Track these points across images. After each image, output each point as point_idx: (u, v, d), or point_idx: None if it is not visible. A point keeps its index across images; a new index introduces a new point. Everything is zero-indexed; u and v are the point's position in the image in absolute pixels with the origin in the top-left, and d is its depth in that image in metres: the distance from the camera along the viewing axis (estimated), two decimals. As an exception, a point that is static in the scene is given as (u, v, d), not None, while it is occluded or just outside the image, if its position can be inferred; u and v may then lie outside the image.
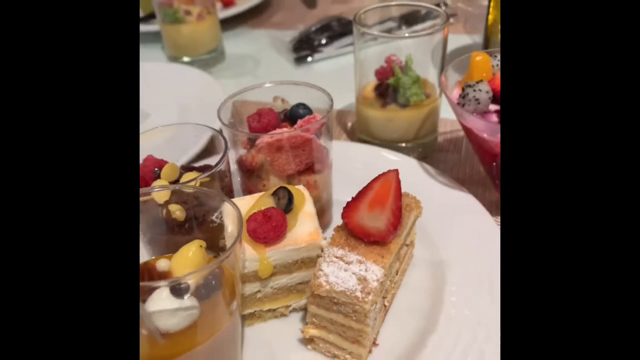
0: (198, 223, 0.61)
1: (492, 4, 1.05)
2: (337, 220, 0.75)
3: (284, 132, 0.64)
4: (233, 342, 0.54)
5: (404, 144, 0.89)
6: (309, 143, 0.66)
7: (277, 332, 0.63)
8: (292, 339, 0.61)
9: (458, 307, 0.61)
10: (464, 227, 0.70)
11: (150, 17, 1.50)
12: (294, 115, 0.70)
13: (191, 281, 0.47)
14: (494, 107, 0.69)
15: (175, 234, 0.61)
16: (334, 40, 1.32)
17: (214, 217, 0.61)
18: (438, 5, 1.46)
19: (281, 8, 1.66)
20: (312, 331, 0.57)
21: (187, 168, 0.69)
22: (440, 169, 0.82)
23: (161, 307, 0.46)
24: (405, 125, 0.87)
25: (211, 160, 0.77)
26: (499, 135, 0.66)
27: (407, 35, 0.80)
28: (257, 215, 0.57)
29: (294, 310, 0.64)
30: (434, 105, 0.86)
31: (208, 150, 0.90)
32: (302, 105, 0.71)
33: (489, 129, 0.66)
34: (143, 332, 0.47)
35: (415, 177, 0.79)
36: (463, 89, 0.70)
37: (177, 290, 0.47)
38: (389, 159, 0.83)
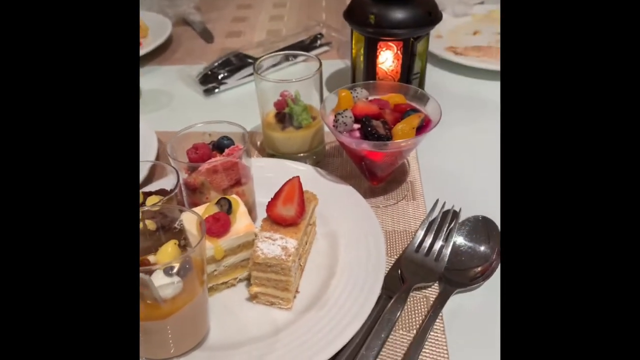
0: (165, 230, 0.86)
1: (353, 41, 1.39)
2: (260, 215, 1.01)
3: (217, 160, 0.91)
4: (204, 305, 0.79)
5: (301, 154, 1.18)
6: (236, 165, 0.93)
7: (230, 297, 0.87)
8: (242, 299, 0.87)
9: (346, 261, 0.90)
10: (347, 208, 1.00)
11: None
12: (220, 145, 0.97)
13: (175, 265, 0.73)
14: (356, 126, 1.01)
15: (149, 240, 0.85)
16: (234, 72, 1.58)
17: (175, 225, 0.86)
18: (316, 37, 1.79)
19: (181, 44, 1.87)
20: (256, 289, 0.84)
21: (147, 194, 0.93)
22: (329, 170, 1.12)
23: (160, 283, 0.71)
24: (300, 142, 1.16)
25: (155, 185, 1.01)
26: (361, 145, 0.99)
27: (294, 80, 1.11)
28: (210, 218, 0.83)
29: (240, 280, 0.90)
30: (319, 125, 1.17)
31: (148, 178, 1.14)
32: (225, 138, 0.98)
33: (354, 141, 0.98)
34: (148, 301, 0.72)
35: (312, 178, 1.07)
36: (335, 116, 1.02)
37: (168, 271, 0.72)
38: (292, 167, 1.11)
